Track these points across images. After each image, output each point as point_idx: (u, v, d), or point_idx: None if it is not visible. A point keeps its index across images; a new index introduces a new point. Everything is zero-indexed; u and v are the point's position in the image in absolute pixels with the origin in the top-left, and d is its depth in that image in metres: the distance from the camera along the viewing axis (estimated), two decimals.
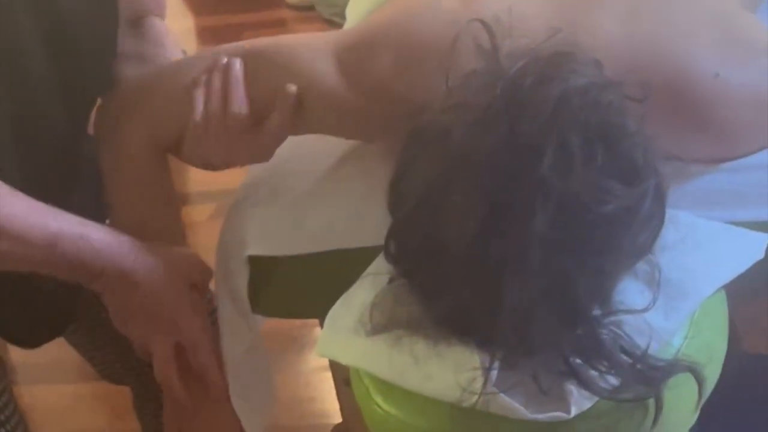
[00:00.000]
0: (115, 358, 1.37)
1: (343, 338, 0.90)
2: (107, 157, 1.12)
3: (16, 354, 1.19)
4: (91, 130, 1.15)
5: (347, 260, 1.00)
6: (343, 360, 0.92)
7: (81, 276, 1.01)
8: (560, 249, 0.76)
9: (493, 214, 0.76)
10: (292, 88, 1.00)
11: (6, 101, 0.98)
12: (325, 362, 1.18)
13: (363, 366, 0.90)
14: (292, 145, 1.07)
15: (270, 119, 1.02)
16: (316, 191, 1.11)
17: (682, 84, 0.92)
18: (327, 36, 1.05)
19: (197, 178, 1.14)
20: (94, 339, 1.35)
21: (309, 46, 1.03)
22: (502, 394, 0.79)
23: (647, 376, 0.79)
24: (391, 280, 0.88)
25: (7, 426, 1.15)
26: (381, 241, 0.87)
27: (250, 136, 1.03)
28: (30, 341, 1.21)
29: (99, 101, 1.15)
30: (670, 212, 0.82)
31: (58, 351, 1.36)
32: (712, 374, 0.87)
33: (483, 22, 0.84)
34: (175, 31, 1.28)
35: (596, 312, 0.79)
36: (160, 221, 1.10)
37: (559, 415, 0.80)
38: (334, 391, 1.70)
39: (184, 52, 1.24)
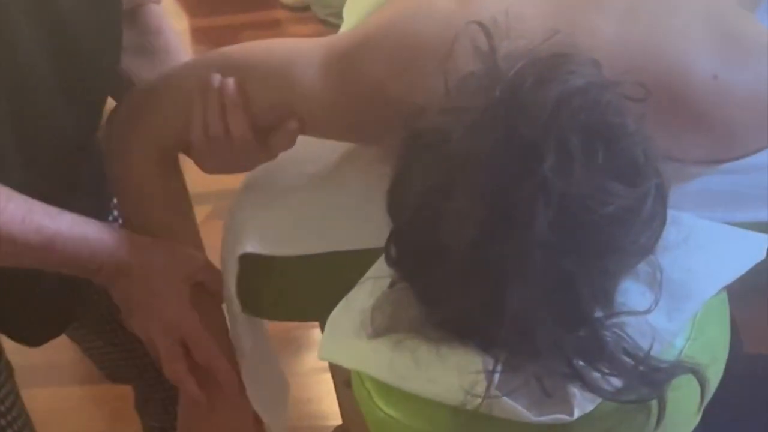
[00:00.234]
0: (118, 355, 1.37)
1: (345, 341, 0.89)
2: (115, 167, 1.12)
3: (13, 357, 1.19)
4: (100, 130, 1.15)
5: (347, 262, 1.00)
6: (345, 363, 0.92)
7: (80, 272, 1.02)
8: (562, 251, 0.75)
9: (493, 217, 0.76)
10: (294, 125, 1.02)
11: (5, 101, 0.98)
12: (323, 364, 1.18)
13: (365, 369, 0.90)
14: None
15: (274, 140, 1.04)
16: (315, 192, 1.11)
17: (680, 85, 0.92)
18: (321, 41, 1.05)
19: (196, 179, 1.14)
20: (99, 335, 1.35)
21: (302, 54, 1.03)
22: (505, 397, 0.79)
23: (650, 378, 0.79)
24: (392, 284, 0.88)
25: (14, 426, 1.15)
26: (381, 243, 0.86)
27: (256, 149, 1.05)
28: (32, 339, 1.21)
29: (109, 100, 1.15)
30: (672, 213, 0.82)
31: (56, 354, 1.36)
32: (715, 375, 0.87)
33: (480, 24, 0.84)
34: None
35: (599, 314, 0.79)
36: (168, 230, 1.10)
37: (562, 417, 0.80)
38: (332, 393, 1.70)
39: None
